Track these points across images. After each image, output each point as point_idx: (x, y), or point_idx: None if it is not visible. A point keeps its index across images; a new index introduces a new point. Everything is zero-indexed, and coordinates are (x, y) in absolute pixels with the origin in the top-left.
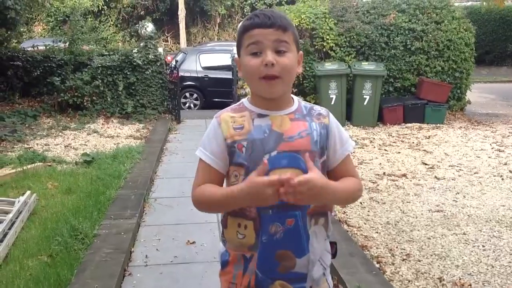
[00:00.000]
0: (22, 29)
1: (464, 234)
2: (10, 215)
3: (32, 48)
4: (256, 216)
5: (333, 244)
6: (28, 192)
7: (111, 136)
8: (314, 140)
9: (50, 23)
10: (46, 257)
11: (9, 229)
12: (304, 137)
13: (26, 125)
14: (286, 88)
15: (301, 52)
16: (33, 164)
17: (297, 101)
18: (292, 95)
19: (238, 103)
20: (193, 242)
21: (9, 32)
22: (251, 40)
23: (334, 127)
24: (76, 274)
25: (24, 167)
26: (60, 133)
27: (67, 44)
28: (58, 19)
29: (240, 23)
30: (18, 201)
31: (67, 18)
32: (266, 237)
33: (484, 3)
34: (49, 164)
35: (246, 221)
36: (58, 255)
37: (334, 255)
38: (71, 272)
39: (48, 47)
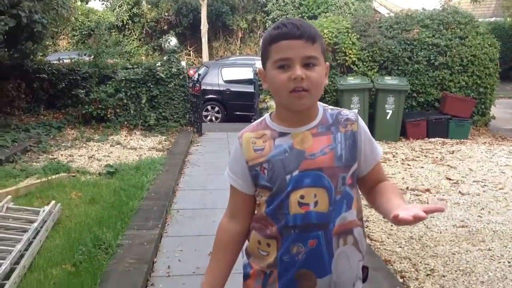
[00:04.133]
0: (48, 43)
1: (489, 250)
2: (35, 224)
3: (57, 61)
4: (278, 235)
5: (364, 269)
6: (53, 202)
7: (133, 148)
8: (337, 154)
9: (75, 37)
10: (70, 266)
11: (34, 238)
12: (327, 153)
13: (51, 137)
14: (313, 101)
15: (327, 63)
16: (58, 175)
17: (322, 110)
18: (318, 103)
19: (260, 119)
20: None
21: (35, 45)
22: (279, 54)
23: (363, 133)
24: (99, 283)
25: (49, 177)
26: (84, 145)
27: (92, 57)
28: (83, 33)
29: (266, 31)
30: (43, 211)
31: (92, 32)
32: (287, 256)
33: (508, 18)
34: (73, 174)
35: (267, 239)
36: (82, 264)
37: (364, 279)
38: (94, 281)
39: (73, 60)
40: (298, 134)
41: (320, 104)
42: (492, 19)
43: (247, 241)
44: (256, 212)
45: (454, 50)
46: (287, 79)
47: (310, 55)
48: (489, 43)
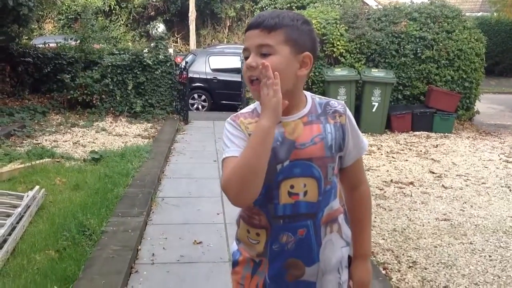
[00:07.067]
0: (33, 26)
1: (471, 243)
2: (19, 209)
3: (43, 45)
4: (267, 224)
5: (349, 258)
6: (37, 187)
7: (119, 134)
8: (328, 144)
9: (61, 21)
10: (53, 252)
11: (17, 223)
12: (318, 143)
13: (35, 121)
14: None
15: (306, 53)
16: (42, 160)
17: (311, 99)
18: (305, 92)
19: (251, 108)
20: (200, 242)
21: (21, 29)
22: (244, 44)
23: (350, 126)
24: (83, 269)
25: (33, 162)
26: (69, 130)
27: (78, 42)
28: (69, 17)
29: None
30: (27, 196)
31: (78, 16)
32: (277, 245)
33: (495, 13)
34: (58, 160)
35: (256, 229)
36: (66, 250)
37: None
38: (78, 267)
39: (59, 45)
40: (289, 123)
41: (308, 93)
42: (479, 14)
43: (237, 227)
44: None
45: (441, 44)
46: (245, 68)
47: (262, 43)
48: (475, 37)
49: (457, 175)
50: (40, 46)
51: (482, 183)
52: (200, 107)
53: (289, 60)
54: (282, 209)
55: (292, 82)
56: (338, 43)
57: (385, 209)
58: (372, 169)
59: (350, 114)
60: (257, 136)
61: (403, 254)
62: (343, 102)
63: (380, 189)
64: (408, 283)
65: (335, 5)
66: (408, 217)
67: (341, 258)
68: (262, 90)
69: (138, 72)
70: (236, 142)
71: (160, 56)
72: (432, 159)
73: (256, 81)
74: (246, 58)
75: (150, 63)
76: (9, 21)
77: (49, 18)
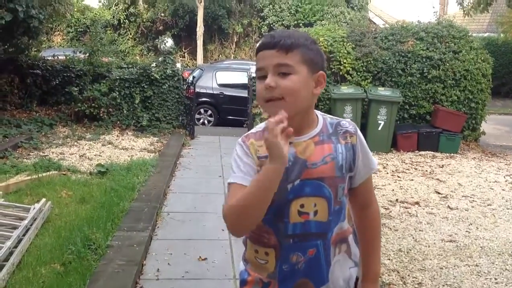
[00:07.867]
0: (42, 38)
1: (477, 265)
2: (25, 222)
3: (52, 58)
4: (277, 243)
5: (357, 279)
6: (43, 200)
7: (125, 148)
8: (339, 164)
9: (70, 34)
10: (59, 265)
11: (24, 235)
12: (329, 163)
13: (42, 133)
14: (293, 110)
15: (321, 72)
16: (48, 172)
17: (322, 119)
18: (316, 112)
19: (261, 128)
20: (205, 259)
21: (30, 41)
22: (257, 64)
23: (360, 146)
24: (88, 284)
25: (39, 175)
26: (76, 143)
27: (87, 55)
28: (78, 30)
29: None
30: (33, 208)
31: (87, 30)
32: (287, 265)
33: (502, 34)
34: (64, 173)
35: (265, 248)
36: (71, 264)
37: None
38: (83, 281)
39: (68, 57)
40: (301, 143)
41: (319, 113)
42: (486, 35)
43: (244, 248)
44: None
45: (448, 64)
46: (262, 89)
47: (281, 63)
48: (482, 58)
49: (462, 196)
50: (49, 58)
51: (488, 205)
52: (206, 122)
53: (307, 79)
54: (292, 228)
55: (309, 101)
56: (345, 61)
57: (391, 229)
58: (377, 188)
59: (360, 134)
60: (261, 181)
61: (408, 275)
62: (352, 121)
63: (386, 209)
64: None
65: (342, 23)
66: (413, 238)
67: (349, 278)
68: (268, 136)
69: (145, 86)
70: (243, 169)
71: (167, 71)
72: (438, 179)
73: (279, 100)
74: (261, 78)
75: (158, 77)
76: (19, 33)
77: (58, 30)
